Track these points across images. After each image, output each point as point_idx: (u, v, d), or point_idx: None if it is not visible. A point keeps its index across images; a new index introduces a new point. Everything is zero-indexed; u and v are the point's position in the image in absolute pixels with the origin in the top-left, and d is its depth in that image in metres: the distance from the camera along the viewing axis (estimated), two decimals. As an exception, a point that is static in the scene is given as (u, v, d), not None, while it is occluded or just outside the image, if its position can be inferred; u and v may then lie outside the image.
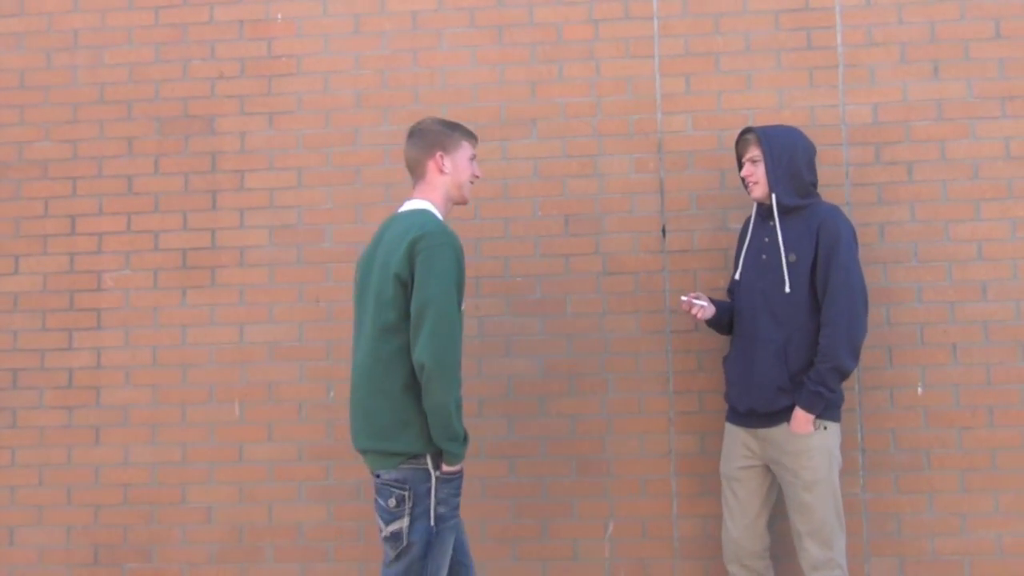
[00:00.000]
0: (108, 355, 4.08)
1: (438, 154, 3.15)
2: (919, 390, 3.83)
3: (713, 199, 3.95)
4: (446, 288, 2.88)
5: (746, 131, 3.55)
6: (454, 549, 3.13)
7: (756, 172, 3.49)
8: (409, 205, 3.14)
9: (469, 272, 4.01)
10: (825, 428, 3.35)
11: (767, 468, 3.48)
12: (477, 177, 3.24)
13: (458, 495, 2.97)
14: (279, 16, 4.18)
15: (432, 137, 3.16)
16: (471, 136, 3.23)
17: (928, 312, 3.86)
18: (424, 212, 3.05)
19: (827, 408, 3.36)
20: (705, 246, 3.93)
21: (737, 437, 3.51)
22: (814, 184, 3.50)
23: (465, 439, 2.94)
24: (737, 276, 3.56)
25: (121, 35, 4.22)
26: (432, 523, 2.92)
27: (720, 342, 3.90)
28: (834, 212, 3.42)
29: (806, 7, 4.00)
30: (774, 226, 3.50)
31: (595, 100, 4.04)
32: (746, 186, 3.54)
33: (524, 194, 4.03)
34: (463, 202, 3.22)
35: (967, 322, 3.84)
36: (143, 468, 4.04)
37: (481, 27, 4.10)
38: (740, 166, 3.65)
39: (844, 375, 3.33)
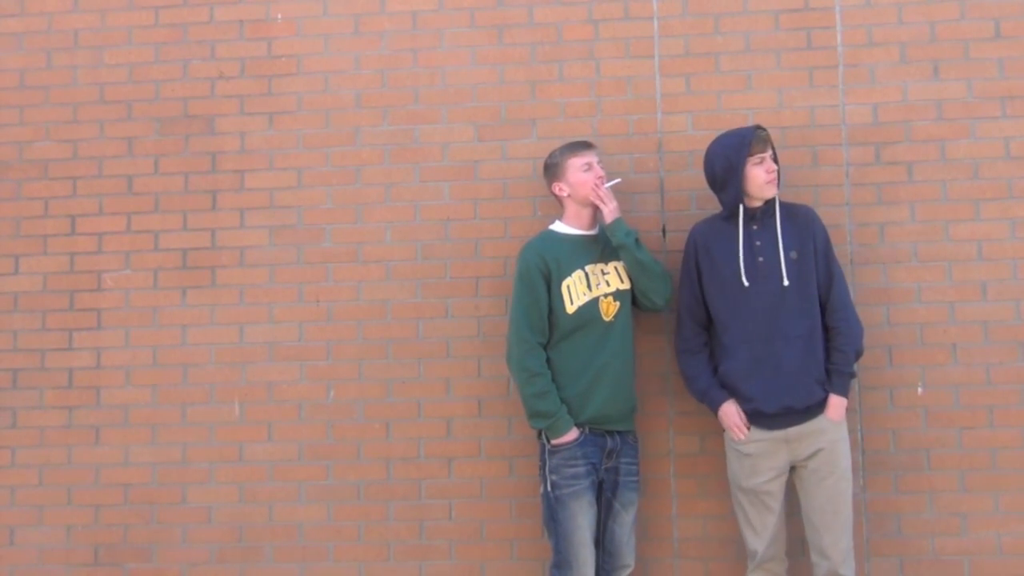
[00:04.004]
0: (108, 355, 4.08)
1: (555, 185, 3.72)
2: (919, 390, 3.83)
3: (713, 199, 3.93)
4: (515, 296, 3.61)
5: (760, 128, 3.56)
6: (605, 535, 3.58)
7: (774, 171, 3.55)
8: None
9: (469, 272, 4.01)
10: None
11: (786, 476, 3.52)
12: (601, 178, 3.66)
13: (571, 466, 3.50)
14: (279, 16, 4.18)
15: (546, 172, 3.75)
16: (576, 150, 3.69)
17: (928, 312, 3.85)
18: (541, 232, 3.74)
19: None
20: (705, 246, 3.93)
21: (763, 450, 3.48)
22: None
23: (550, 415, 3.50)
24: (745, 282, 3.52)
25: (121, 35, 4.22)
26: (549, 488, 3.53)
27: (720, 342, 3.90)
28: (812, 208, 3.67)
29: (806, 7, 4.00)
30: (760, 229, 3.53)
31: (595, 100, 4.04)
32: (737, 193, 3.51)
33: (524, 194, 4.03)
34: (601, 205, 3.64)
35: (967, 322, 3.84)
36: (143, 468, 4.04)
37: (481, 27, 4.10)
38: (737, 165, 3.51)
39: (859, 356, 3.56)
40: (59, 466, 4.06)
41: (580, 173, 3.66)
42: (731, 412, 3.53)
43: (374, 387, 4.00)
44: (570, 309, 3.58)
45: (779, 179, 3.59)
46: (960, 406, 3.81)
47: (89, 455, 4.05)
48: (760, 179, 3.52)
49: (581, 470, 3.51)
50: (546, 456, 3.56)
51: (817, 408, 3.45)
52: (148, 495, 4.03)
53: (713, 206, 3.96)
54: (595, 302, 3.60)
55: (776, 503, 3.49)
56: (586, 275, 3.62)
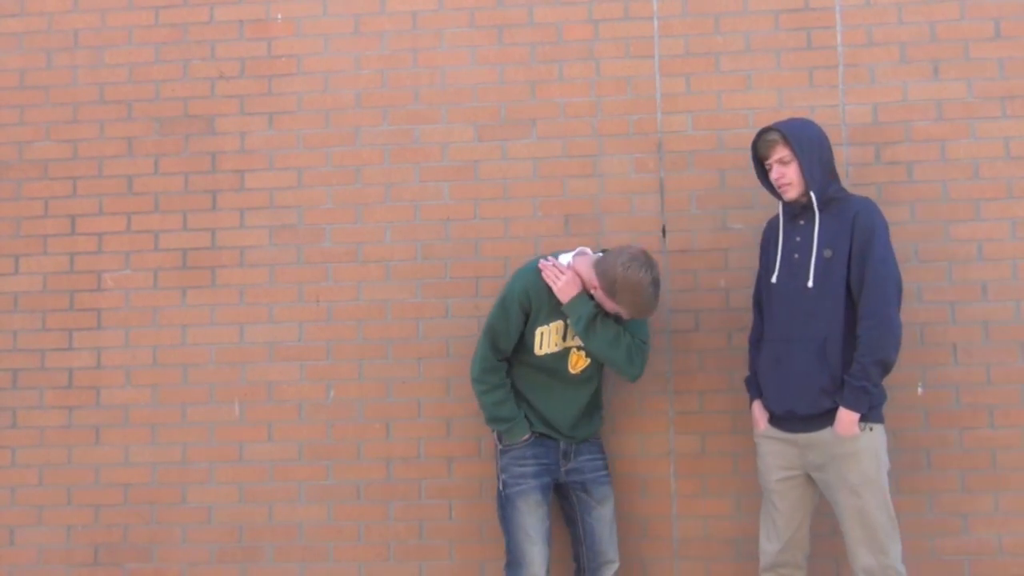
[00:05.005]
0: (108, 355, 4.08)
1: (595, 287, 3.49)
2: (919, 390, 3.83)
3: (713, 199, 3.95)
4: (492, 314, 3.57)
5: (767, 131, 3.44)
6: (584, 531, 3.62)
7: (788, 173, 3.41)
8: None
9: (469, 272, 4.01)
10: (871, 429, 3.31)
11: (807, 477, 3.42)
12: (622, 319, 3.54)
13: (520, 465, 3.56)
14: (279, 16, 4.18)
15: (604, 275, 3.43)
16: (636, 310, 3.41)
17: (928, 312, 3.85)
18: (550, 258, 3.58)
19: (872, 408, 3.31)
20: (705, 246, 3.93)
21: (772, 448, 3.45)
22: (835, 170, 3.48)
23: (509, 419, 3.55)
24: (774, 279, 3.48)
25: (121, 35, 4.22)
26: (501, 487, 3.59)
27: (721, 341, 3.89)
28: (868, 204, 3.39)
29: (806, 7, 4.00)
30: (805, 224, 3.43)
31: (595, 100, 4.04)
32: (774, 189, 3.48)
33: (524, 194, 4.03)
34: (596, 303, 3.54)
35: (967, 322, 3.84)
36: (143, 468, 4.04)
37: (481, 27, 4.11)
38: (760, 167, 3.53)
39: (887, 369, 3.29)
40: (59, 466, 4.06)
41: (611, 308, 3.49)
42: (754, 409, 3.55)
43: (374, 387, 4.00)
44: (538, 352, 3.59)
45: (804, 180, 3.39)
46: (960, 406, 3.81)
47: (89, 455, 4.05)
48: (773, 183, 3.48)
49: (529, 470, 3.56)
50: (498, 456, 3.62)
51: (827, 418, 3.33)
52: (148, 495, 4.03)
53: (712, 206, 3.97)
54: (566, 353, 3.60)
55: (784, 504, 3.42)
56: (565, 327, 3.58)
